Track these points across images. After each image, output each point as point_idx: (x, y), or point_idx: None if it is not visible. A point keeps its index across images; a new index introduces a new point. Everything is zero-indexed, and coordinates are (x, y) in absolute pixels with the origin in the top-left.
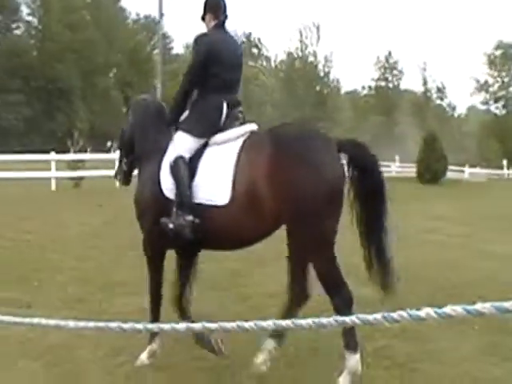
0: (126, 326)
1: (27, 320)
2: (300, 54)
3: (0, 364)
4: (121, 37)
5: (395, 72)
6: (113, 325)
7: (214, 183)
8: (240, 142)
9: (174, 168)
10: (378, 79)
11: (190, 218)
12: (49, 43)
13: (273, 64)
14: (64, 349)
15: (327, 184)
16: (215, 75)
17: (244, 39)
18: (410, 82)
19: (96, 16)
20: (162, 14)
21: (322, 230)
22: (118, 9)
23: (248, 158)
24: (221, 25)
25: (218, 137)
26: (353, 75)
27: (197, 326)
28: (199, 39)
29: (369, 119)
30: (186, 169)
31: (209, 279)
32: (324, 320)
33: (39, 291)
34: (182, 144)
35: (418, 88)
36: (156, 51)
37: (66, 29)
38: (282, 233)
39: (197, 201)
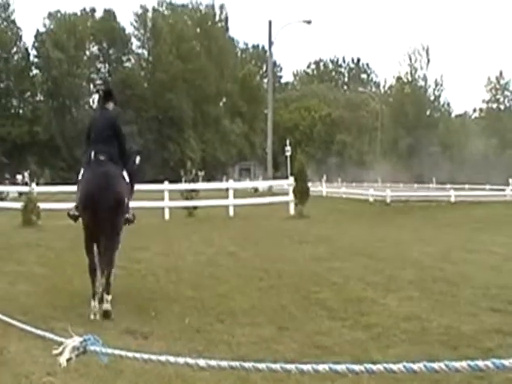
0: (260, 365)
1: (156, 357)
2: (410, 78)
3: None
4: (230, 66)
5: (507, 93)
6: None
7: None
8: None
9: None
10: (490, 101)
11: (75, 212)
12: (159, 74)
13: (382, 89)
14: (183, 381)
15: (83, 200)
16: (91, 135)
17: (353, 65)
18: None
19: (206, 46)
20: (271, 43)
21: (84, 224)
22: (226, 38)
23: None
24: (102, 106)
25: None
26: (463, 97)
27: (322, 367)
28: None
29: (480, 142)
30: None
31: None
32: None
33: (156, 321)
34: (81, 172)
35: None
36: (266, 80)
37: (176, 59)
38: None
39: None
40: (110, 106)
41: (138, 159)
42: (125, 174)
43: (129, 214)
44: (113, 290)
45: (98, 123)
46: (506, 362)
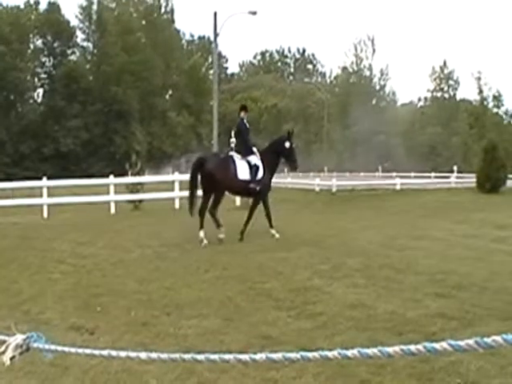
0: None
1: (105, 352)
2: (355, 68)
3: None
4: (177, 58)
5: (451, 82)
6: (200, 357)
7: None
8: None
9: None
10: (434, 90)
11: None
12: (105, 66)
13: (328, 79)
14: (130, 375)
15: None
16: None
17: (298, 56)
18: (467, 92)
19: (152, 38)
20: (216, 34)
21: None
22: (172, 30)
23: None
24: (238, 115)
25: None
26: (409, 86)
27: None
28: None
29: (426, 130)
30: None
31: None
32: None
33: (102, 316)
34: None
35: (475, 97)
36: (212, 71)
37: (122, 51)
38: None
39: None
40: (242, 114)
41: (287, 144)
42: (250, 158)
43: (258, 186)
44: (57, 286)
45: (235, 127)
46: (437, 346)
